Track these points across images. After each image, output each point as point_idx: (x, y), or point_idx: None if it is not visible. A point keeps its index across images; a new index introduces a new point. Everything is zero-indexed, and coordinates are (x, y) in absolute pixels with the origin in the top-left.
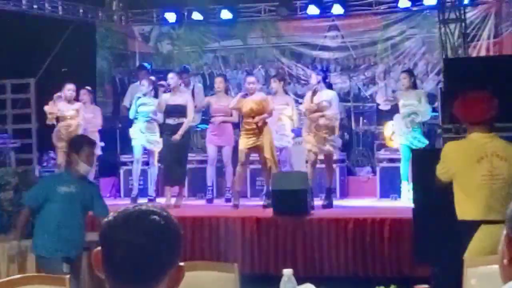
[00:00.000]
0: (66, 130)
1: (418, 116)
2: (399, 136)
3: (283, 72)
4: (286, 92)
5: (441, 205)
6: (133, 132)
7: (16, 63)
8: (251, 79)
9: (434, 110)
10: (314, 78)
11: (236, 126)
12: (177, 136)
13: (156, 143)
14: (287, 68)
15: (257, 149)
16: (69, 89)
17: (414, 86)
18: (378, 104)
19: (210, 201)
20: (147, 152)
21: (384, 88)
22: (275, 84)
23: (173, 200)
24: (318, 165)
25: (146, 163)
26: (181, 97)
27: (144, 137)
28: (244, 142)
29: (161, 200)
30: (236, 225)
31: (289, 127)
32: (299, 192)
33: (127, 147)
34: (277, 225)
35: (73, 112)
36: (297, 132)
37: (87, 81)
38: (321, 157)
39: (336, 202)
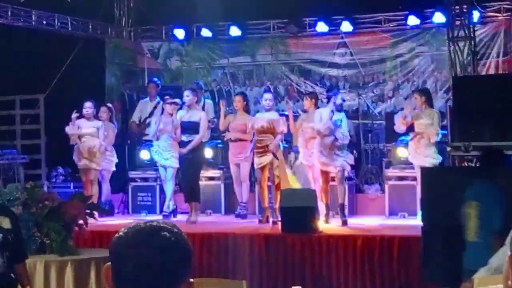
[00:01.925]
0: (88, 148)
1: (426, 136)
2: (413, 156)
3: (290, 89)
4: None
5: (450, 224)
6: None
7: (25, 79)
8: (267, 95)
9: (443, 128)
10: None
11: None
12: (184, 150)
13: (172, 159)
14: (296, 85)
15: (266, 167)
16: (87, 107)
17: (429, 104)
18: (390, 124)
19: (244, 217)
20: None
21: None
22: (307, 102)
23: (192, 215)
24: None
25: (155, 179)
26: (196, 115)
27: (160, 156)
28: (256, 161)
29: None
30: (245, 242)
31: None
32: (308, 210)
33: (136, 163)
34: (285, 242)
35: (93, 129)
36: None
37: (97, 97)
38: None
39: None
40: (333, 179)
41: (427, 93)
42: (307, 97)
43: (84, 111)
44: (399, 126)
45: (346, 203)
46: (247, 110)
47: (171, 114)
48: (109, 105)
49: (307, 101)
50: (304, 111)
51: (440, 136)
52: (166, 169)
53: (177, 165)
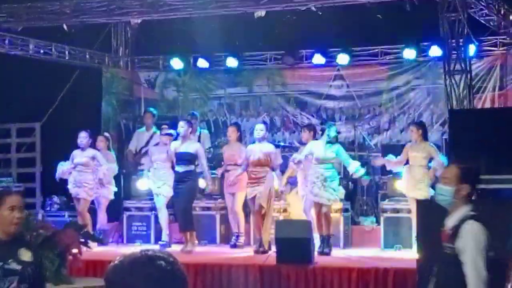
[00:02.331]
0: (81, 177)
1: (424, 169)
2: (407, 189)
3: (286, 121)
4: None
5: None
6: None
7: (22, 107)
8: (259, 126)
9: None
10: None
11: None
12: (208, 182)
13: (165, 187)
14: (292, 116)
15: (255, 197)
16: (82, 136)
17: (424, 138)
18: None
19: (237, 247)
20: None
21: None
22: (305, 134)
23: (188, 245)
24: None
25: (150, 209)
26: (191, 145)
27: (154, 184)
28: (248, 192)
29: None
30: (239, 273)
31: None
32: (303, 241)
33: (131, 193)
34: (280, 273)
35: (85, 159)
36: (294, 182)
37: (93, 127)
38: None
39: (339, 252)
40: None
41: (424, 126)
42: (305, 129)
43: (79, 141)
44: (394, 166)
45: (340, 236)
46: (240, 140)
47: (166, 144)
48: (106, 134)
49: (306, 133)
50: (301, 143)
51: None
52: (158, 196)
53: (170, 194)
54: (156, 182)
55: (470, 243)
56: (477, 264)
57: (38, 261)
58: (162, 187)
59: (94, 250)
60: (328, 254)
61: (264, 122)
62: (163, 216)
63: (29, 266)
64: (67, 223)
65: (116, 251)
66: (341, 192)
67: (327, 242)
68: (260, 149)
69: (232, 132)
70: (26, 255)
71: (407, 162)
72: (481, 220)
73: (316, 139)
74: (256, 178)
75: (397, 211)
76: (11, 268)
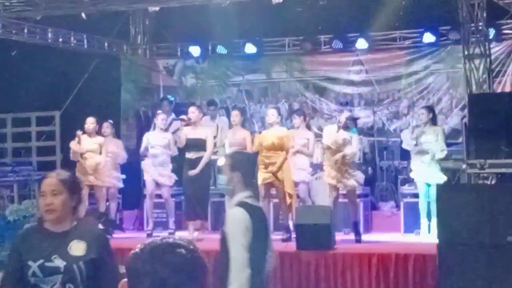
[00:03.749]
0: (91, 164)
1: (435, 153)
2: (416, 173)
3: (305, 107)
4: (309, 128)
5: (467, 242)
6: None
7: (41, 96)
8: (271, 111)
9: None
10: (344, 115)
11: None
12: (195, 171)
13: (167, 177)
14: (311, 102)
15: (274, 184)
16: (89, 122)
17: (433, 122)
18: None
19: None
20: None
21: (411, 129)
22: (296, 120)
23: (195, 234)
24: (340, 200)
25: (160, 196)
26: (202, 131)
27: (155, 171)
28: (262, 177)
29: (182, 234)
30: None
31: (308, 162)
32: (322, 227)
33: None
34: (300, 259)
35: (95, 146)
36: (316, 167)
37: (112, 114)
38: (343, 191)
39: None
40: (344, 196)
41: (433, 111)
42: (295, 115)
43: (86, 126)
44: (409, 142)
45: (360, 221)
46: (243, 125)
47: (162, 129)
48: (111, 121)
49: (296, 119)
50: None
51: (445, 152)
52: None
53: (172, 183)
54: (161, 169)
55: (232, 228)
56: (237, 248)
57: (100, 256)
58: (168, 175)
59: (114, 237)
60: (358, 242)
61: (276, 108)
62: (171, 204)
63: (78, 261)
64: (87, 211)
65: (137, 238)
66: (360, 177)
67: (355, 229)
68: (273, 133)
69: (235, 116)
70: (77, 248)
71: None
72: (247, 206)
73: (309, 125)
74: (269, 163)
75: (417, 196)
76: (53, 266)
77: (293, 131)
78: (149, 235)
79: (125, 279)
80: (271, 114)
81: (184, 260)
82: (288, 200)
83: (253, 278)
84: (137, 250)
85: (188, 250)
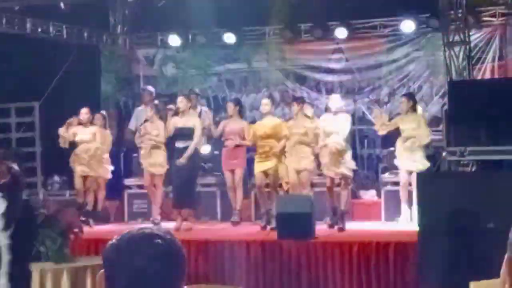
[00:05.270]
0: (86, 154)
1: (417, 140)
2: (399, 160)
3: (286, 95)
4: (306, 116)
5: (447, 229)
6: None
7: (20, 87)
8: (265, 100)
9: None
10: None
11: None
12: (182, 160)
13: (159, 166)
14: (292, 91)
15: (267, 172)
16: (83, 113)
17: (413, 109)
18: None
19: (236, 224)
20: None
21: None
22: (294, 108)
23: (184, 224)
24: (319, 189)
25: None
26: (190, 120)
27: (147, 161)
28: (258, 166)
29: (169, 224)
30: (241, 249)
31: (310, 149)
32: (304, 216)
33: (131, 170)
34: (281, 248)
35: (90, 135)
36: None
37: (92, 105)
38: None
39: None
40: (338, 185)
41: (414, 98)
42: (294, 103)
43: (81, 117)
44: (381, 128)
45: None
46: (241, 115)
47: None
48: (103, 112)
49: (295, 106)
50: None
51: (431, 137)
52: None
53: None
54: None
55: None
56: None
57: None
58: (160, 164)
59: (95, 228)
60: (341, 230)
61: (270, 97)
62: (160, 193)
63: None
64: (67, 202)
65: (118, 229)
66: (351, 163)
67: (341, 218)
68: (265, 124)
69: (229, 108)
70: None
71: (398, 135)
72: None
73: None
74: (264, 152)
75: (397, 184)
76: None
77: (285, 122)
78: (156, 224)
79: (102, 270)
80: (265, 104)
81: (161, 250)
82: (285, 186)
83: None
84: (113, 241)
85: (165, 240)
